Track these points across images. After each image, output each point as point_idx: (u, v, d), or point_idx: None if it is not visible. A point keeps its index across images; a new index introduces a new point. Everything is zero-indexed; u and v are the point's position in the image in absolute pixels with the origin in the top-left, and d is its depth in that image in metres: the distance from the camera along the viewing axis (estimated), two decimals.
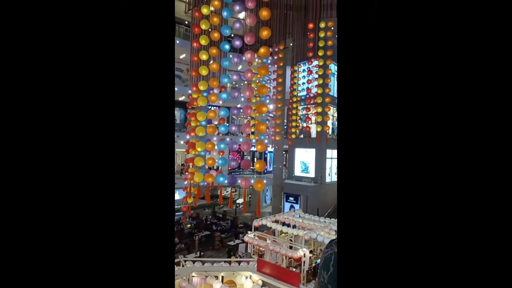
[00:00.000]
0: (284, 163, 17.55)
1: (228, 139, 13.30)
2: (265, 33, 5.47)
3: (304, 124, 14.29)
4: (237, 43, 5.84)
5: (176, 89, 14.51)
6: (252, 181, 17.17)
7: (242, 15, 10.66)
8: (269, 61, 14.11)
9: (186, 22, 15.13)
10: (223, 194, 15.10)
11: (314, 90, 13.05)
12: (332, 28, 9.92)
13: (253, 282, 8.50)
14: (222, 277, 8.61)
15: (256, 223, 10.49)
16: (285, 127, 15.83)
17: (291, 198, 15.24)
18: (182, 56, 15.47)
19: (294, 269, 8.21)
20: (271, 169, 17.56)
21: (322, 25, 9.47)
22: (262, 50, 5.27)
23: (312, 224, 10.43)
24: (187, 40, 13.88)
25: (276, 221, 10.89)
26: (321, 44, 9.75)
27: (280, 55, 12.23)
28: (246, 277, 8.60)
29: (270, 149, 17.74)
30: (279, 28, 11.44)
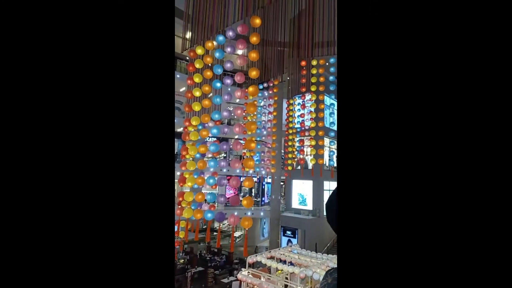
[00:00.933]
0: (283, 194, 17.29)
1: (224, 169, 13.26)
2: (253, 73, 5.69)
3: (300, 156, 14.32)
4: (228, 81, 6.06)
5: (175, 120, 14.79)
6: (249, 214, 16.70)
7: (235, 53, 11.16)
8: (266, 94, 14.52)
9: (187, 58, 15.84)
10: (221, 228, 14.67)
11: (307, 123, 13.28)
12: (328, 63, 10.39)
13: None
14: None
15: (250, 259, 10.07)
16: (282, 157, 15.84)
17: (288, 232, 14.80)
18: (182, 89, 15.97)
19: None
20: (268, 200, 17.27)
21: (314, 62, 9.90)
22: (251, 89, 5.45)
23: (308, 261, 10.00)
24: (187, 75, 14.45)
25: (272, 257, 10.46)
26: (313, 80, 10.12)
27: (275, 90, 12.63)
28: None
29: (268, 180, 17.59)
30: (274, 64, 11.94)
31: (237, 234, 18.45)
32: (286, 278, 8.97)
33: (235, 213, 15.29)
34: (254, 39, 5.37)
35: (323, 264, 9.28)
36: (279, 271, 9.77)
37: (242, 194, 17.65)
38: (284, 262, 10.19)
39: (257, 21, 5.49)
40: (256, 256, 10.22)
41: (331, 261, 10.02)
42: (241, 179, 17.19)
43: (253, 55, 5.63)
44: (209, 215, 5.45)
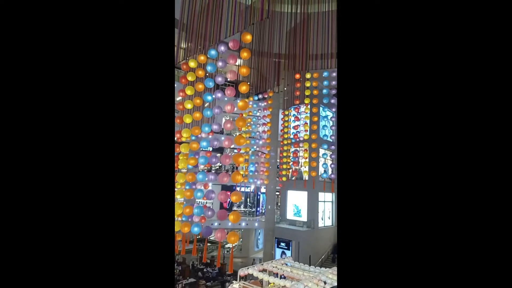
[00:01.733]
0: (278, 203, 17.21)
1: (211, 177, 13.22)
2: (243, 88, 5.75)
3: (294, 168, 14.33)
4: (219, 95, 6.14)
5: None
6: (244, 224, 16.50)
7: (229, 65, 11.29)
8: (263, 105, 14.62)
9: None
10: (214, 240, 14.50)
11: (301, 134, 13.34)
12: (322, 77, 10.53)
13: None
14: None
15: (241, 272, 9.93)
16: (278, 168, 15.84)
17: (283, 244, 14.66)
18: (178, 99, 16.09)
19: None
20: (264, 211, 17.17)
21: (308, 75, 10.02)
22: (240, 103, 5.50)
23: (301, 274, 9.88)
24: None
25: (264, 270, 10.33)
26: (307, 93, 10.22)
27: (270, 102, 12.75)
28: None
29: (263, 190, 17.53)
30: (270, 74, 12.07)
31: (230, 245, 18.24)
32: None
33: (229, 224, 15.15)
34: (244, 54, 5.44)
35: (315, 278, 9.16)
36: (271, 284, 9.64)
37: (236, 205, 17.54)
38: (276, 275, 10.06)
39: (248, 37, 5.57)
40: (248, 268, 10.09)
41: (324, 274, 9.89)
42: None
43: (243, 70, 5.71)
44: (195, 228, 5.43)
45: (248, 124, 13.65)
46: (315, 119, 13.74)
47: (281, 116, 15.55)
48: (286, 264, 10.97)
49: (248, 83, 14.39)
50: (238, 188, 17.21)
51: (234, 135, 14.34)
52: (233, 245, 5.45)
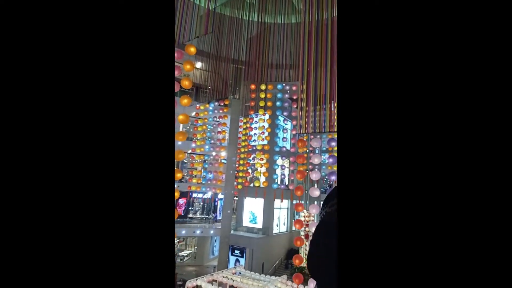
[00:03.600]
0: (235, 210, 17.14)
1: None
2: (185, 101, 5.60)
3: (249, 176, 14.39)
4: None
5: None
6: (198, 232, 16.13)
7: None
8: (221, 112, 14.48)
9: None
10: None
11: (256, 143, 13.47)
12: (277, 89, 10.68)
13: None
14: None
15: (189, 283, 9.68)
16: (236, 176, 15.77)
17: (237, 251, 14.61)
18: None
19: None
20: (221, 217, 16.98)
21: (263, 87, 10.12)
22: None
23: (250, 284, 9.90)
24: None
25: (214, 281, 10.17)
26: (261, 104, 10.32)
27: (225, 110, 12.66)
28: None
29: (220, 196, 17.34)
30: (226, 81, 12.00)
31: (185, 252, 17.74)
32: None
33: (183, 232, 14.72)
34: (188, 67, 5.30)
35: (264, 287, 9.23)
36: None
37: (192, 211, 17.14)
38: (226, 285, 9.96)
39: (192, 49, 5.43)
40: (196, 280, 9.85)
41: (273, 283, 10.03)
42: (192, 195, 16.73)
43: (186, 83, 5.57)
44: None
45: (203, 131, 13.41)
46: (269, 130, 13.95)
47: (240, 123, 15.56)
48: (237, 274, 10.93)
49: (209, 87, 14.22)
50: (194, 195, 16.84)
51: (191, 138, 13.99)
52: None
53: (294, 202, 12.31)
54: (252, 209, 15.54)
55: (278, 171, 15.53)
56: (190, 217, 16.74)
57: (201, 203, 17.93)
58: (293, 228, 15.62)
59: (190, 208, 17.05)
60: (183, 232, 14.86)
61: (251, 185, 14.82)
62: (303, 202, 13.16)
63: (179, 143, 5.84)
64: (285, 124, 16.03)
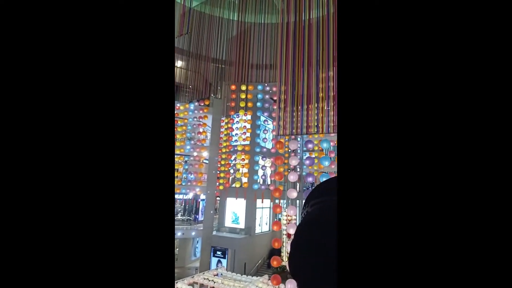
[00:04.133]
0: (217, 210, 17.01)
1: None
2: None
3: (231, 176, 14.33)
4: None
5: None
6: (180, 234, 15.90)
7: None
8: (201, 112, 14.30)
9: None
10: None
11: (239, 142, 13.42)
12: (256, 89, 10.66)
13: None
14: None
15: None
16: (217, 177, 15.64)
17: (219, 253, 14.51)
18: None
19: None
20: (202, 218, 16.80)
21: (243, 87, 10.07)
22: None
23: (231, 285, 9.87)
24: None
25: (195, 283, 10.06)
26: (242, 104, 10.28)
27: (206, 110, 12.52)
28: None
29: (202, 197, 17.16)
30: (207, 80, 11.87)
31: None
32: None
33: None
34: None
35: None
36: None
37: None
38: (207, 287, 9.88)
39: None
40: (176, 282, 9.70)
41: (254, 284, 10.05)
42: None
43: None
44: None
45: (183, 132, 13.20)
46: (249, 131, 13.91)
47: (222, 123, 15.44)
48: (218, 275, 10.87)
49: (190, 86, 13.98)
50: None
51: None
52: None
53: (273, 203, 12.39)
54: (235, 209, 15.48)
55: (260, 172, 15.55)
56: None
57: (182, 204, 17.66)
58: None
59: None
60: None
61: (233, 185, 14.76)
62: (284, 202, 13.27)
63: None
64: (267, 125, 16.08)
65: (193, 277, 10.43)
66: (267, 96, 11.04)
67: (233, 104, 10.53)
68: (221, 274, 10.96)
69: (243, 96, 10.33)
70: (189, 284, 9.84)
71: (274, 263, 5.25)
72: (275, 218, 15.87)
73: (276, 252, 11.76)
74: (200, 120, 14.20)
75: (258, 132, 14.83)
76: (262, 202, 15.52)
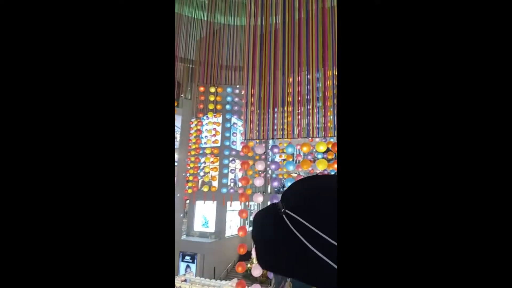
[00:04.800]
0: (186, 214, 16.59)
1: None
2: None
3: (199, 179, 14.06)
4: None
5: None
6: None
7: None
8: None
9: None
10: None
11: (208, 144, 13.20)
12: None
13: None
14: None
15: None
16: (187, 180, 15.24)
17: (187, 257, 14.15)
18: None
19: None
20: None
21: (212, 89, 9.92)
22: None
23: None
24: None
25: None
26: (211, 106, 10.13)
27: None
28: None
29: None
30: (184, 80, 11.55)
31: None
32: None
33: None
34: None
35: None
36: None
37: None
38: None
39: None
40: None
41: None
42: None
43: None
44: None
45: None
46: (218, 133, 13.77)
47: (191, 125, 15.09)
48: (186, 281, 10.59)
49: None
50: None
51: None
52: None
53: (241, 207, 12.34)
54: (204, 213, 15.20)
55: (230, 175, 15.43)
56: None
57: None
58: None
59: None
60: None
61: (203, 188, 14.49)
62: (253, 204, 13.25)
63: None
64: (237, 127, 16.01)
65: None
66: (236, 99, 10.98)
67: (201, 106, 10.33)
68: (189, 279, 10.69)
69: (212, 98, 10.18)
70: None
71: (239, 269, 5.18)
72: (245, 223, 15.83)
73: (244, 257, 11.71)
74: None
75: (227, 135, 14.72)
76: (231, 205, 15.42)
